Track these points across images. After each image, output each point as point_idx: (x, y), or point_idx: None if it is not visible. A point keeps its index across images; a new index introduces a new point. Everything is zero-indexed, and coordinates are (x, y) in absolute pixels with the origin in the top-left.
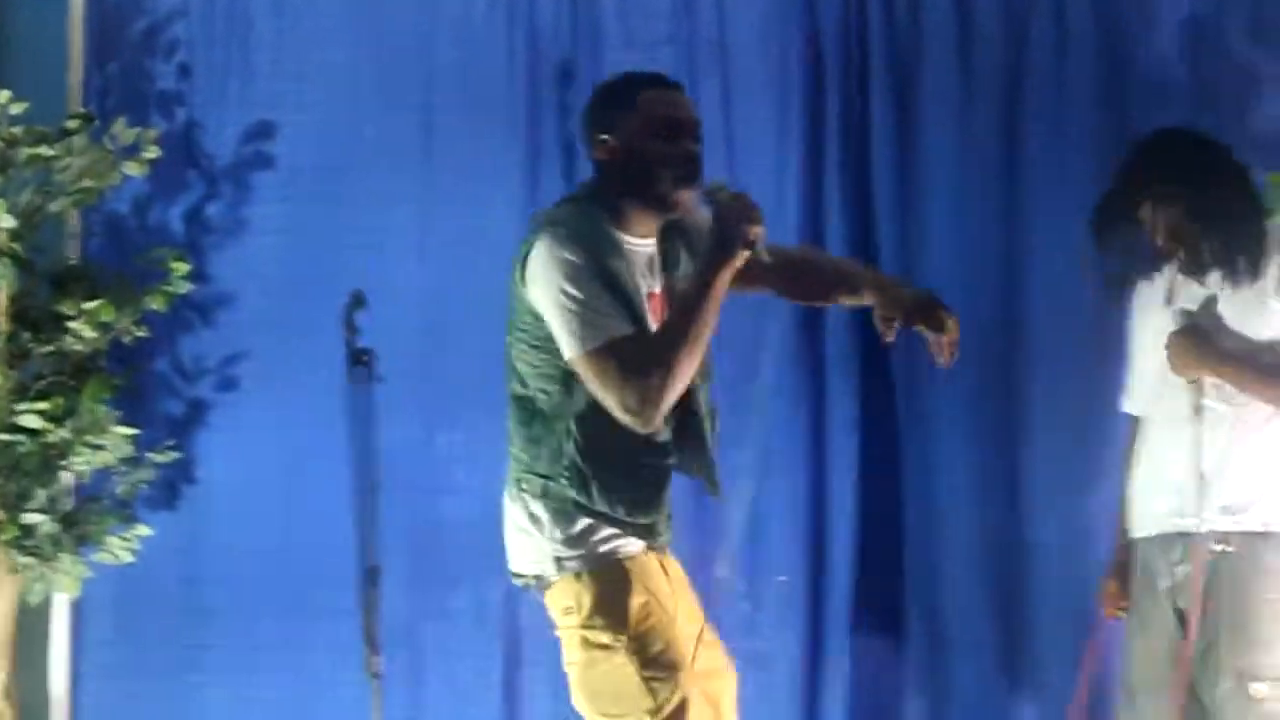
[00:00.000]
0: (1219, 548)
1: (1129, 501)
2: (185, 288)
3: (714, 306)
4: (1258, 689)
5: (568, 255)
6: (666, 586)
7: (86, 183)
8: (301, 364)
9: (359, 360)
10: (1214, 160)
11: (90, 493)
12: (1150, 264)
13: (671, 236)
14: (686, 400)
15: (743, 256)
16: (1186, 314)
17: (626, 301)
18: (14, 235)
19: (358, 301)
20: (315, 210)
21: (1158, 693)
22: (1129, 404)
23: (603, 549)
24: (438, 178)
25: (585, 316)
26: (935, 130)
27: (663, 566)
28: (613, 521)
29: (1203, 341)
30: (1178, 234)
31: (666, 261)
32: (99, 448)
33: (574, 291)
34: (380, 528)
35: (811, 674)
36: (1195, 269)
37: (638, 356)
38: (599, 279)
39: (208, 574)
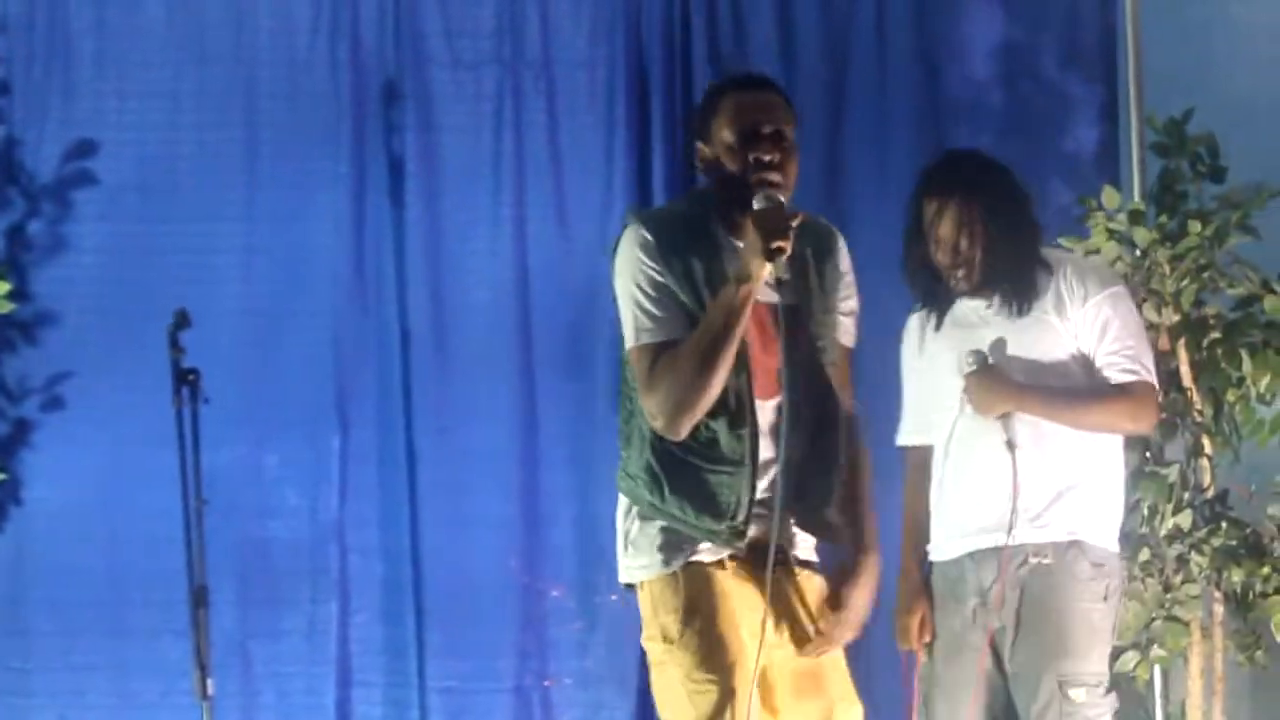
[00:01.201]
0: (1034, 560)
1: (930, 527)
2: (7, 308)
3: (729, 318)
4: (1076, 694)
5: (638, 250)
6: (731, 600)
7: None
8: (128, 383)
9: (185, 380)
10: (993, 179)
11: None
12: (927, 289)
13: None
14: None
15: (765, 269)
16: (978, 354)
17: (700, 304)
18: None
19: (182, 320)
20: (138, 228)
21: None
22: (907, 436)
23: (663, 556)
24: (262, 195)
25: (638, 312)
26: None
27: (750, 579)
28: (684, 524)
29: (1000, 380)
30: (955, 250)
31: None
32: None
33: (635, 285)
34: (208, 548)
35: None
36: (972, 287)
37: (664, 363)
38: (668, 276)
39: (33, 595)
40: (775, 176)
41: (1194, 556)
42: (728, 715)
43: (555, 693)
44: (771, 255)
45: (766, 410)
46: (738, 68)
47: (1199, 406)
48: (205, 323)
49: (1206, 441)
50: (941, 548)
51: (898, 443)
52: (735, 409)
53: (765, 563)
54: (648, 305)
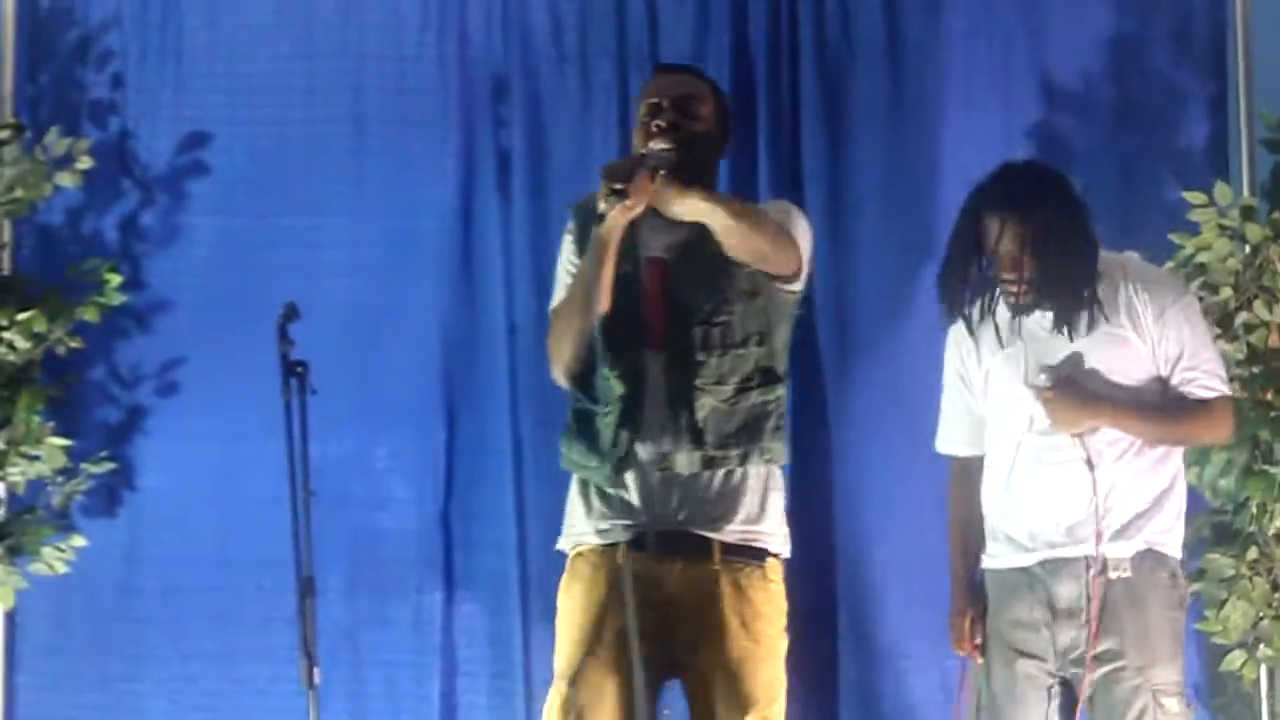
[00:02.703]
0: (1114, 574)
1: (984, 534)
2: (118, 299)
3: (589, 263)
4: (1169, 704)
5: (565, 239)
6: (598, 591)
7: (18, 193)
8: (238, 373)
9: (293, 372)
10: (1052, 193)
11: (25, 503)
12: (981, 300)
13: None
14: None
15: (618, 214)
16: (1052, 369)
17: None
18: None
19: (291, 313)
20: (249, 221)
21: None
22: (955, 445)
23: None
24: (370, 189)
25: (557, 287)
26: (865, 139)
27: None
28: (578, 466)
29: (1083, 396)
30: (1017, 266)
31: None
32: (34, 458)
33: (560, 269)
34: (317, 539)
35: None
36: (1026, 304)
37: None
38: (578, 243)
39: (144, 584)
40: (660, 143)
41: None
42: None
43: None
44: (611, 196)
45: (656, 362)
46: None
47: None
48: (313, 315)
49: None
50: (1005, 556)
51: (941, 449)
52: (624, 356)
53: (672, 550)
54: (563, 279)
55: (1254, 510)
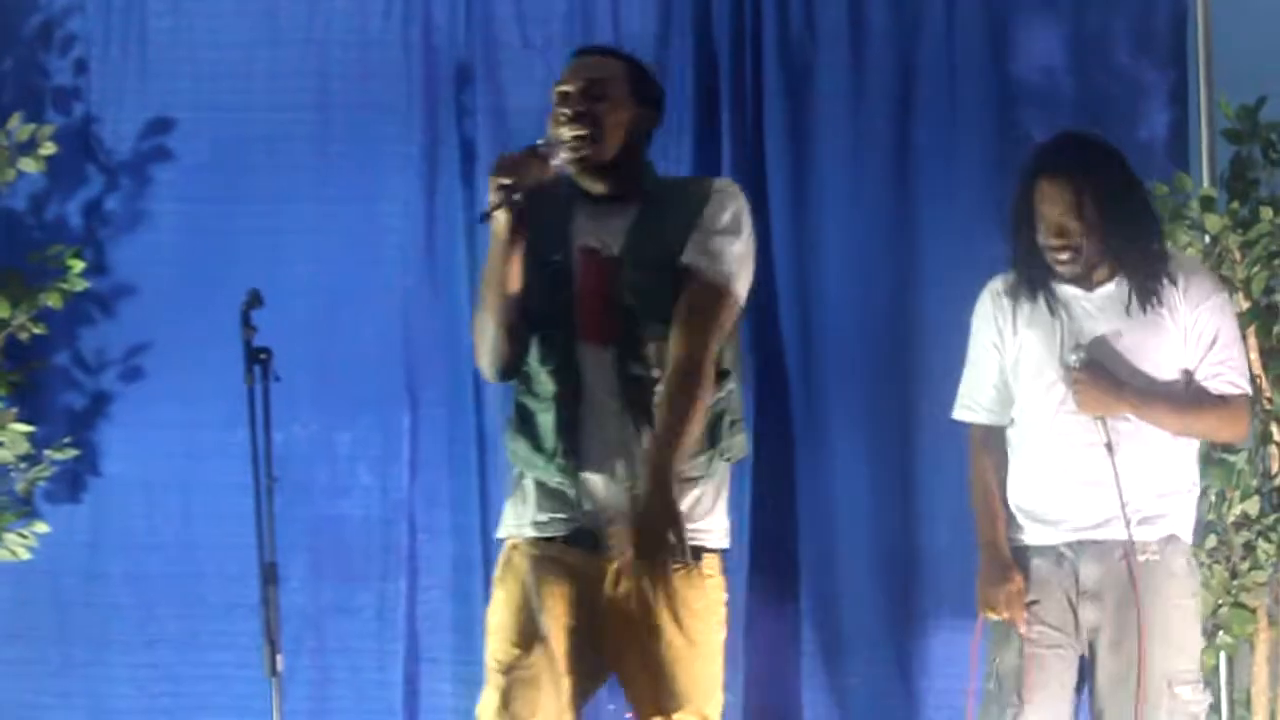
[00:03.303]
0: (1143, 557)
1: (1013, 510)
2: (82, 285)
3: (492, 264)
4: (1183, 691)
5: None
6: (525, 588)
7: None
8: (202, 359)
9: (256, 359)
10: (1105, 162)
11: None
12: (1031, 272)
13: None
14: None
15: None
16: (1085, 349)
17: (531, 263)
18: None
19: (254, 300)
20: (213, 207)
21: (1057, 698)
22: (975, 413)
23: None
24: (334, 175)
25: None
26: (828, 132)
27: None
28: (523, 463)
29: (1109, 381)
30: (1062, 231)
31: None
32: None
33: None
34: (280, 526)
35: None
36: (1076, 273)
37: None
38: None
39: (109, 570)
40: (567, 132)
41: (1261, 543)
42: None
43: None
44: (499, 191)
45: (594, 355)
46: (800, 43)
47: (1268, 394)
48: (277, 302)
49: (1275, 429)
50: (1032, 533)
51: (959, 416)
52: (556, 350)
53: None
54: None
55: (1213, 499)
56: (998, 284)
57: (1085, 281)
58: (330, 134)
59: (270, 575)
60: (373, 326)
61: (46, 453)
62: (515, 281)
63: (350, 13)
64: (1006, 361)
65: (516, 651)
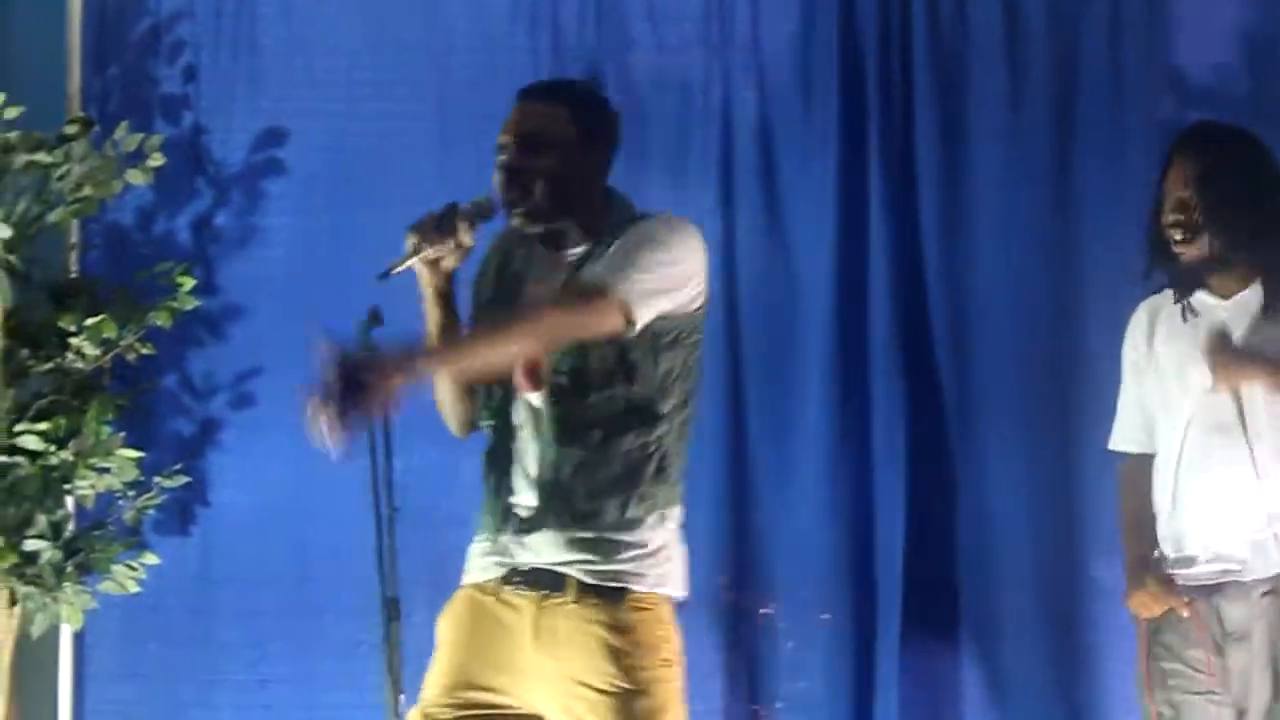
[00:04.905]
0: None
1: (1163, 540)
2: (192, 303)
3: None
4: None
5: None
6: (463, 632)
7: (87, 191)
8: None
9: None
10: (1236, 147)
11: (94, 518)
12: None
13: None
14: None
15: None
16: (1216, 323)
17: (485, 300)
18: (10, 246)
19: (374, 319)
20: (328, 221)
21: None
22: (1124, 442)
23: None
24: (456, 187)
25: None
26: (983, 136)
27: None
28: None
29: (1245, 350)
30: (1181, 208)
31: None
32: (103, 471)
33: None
34: (401, 558)
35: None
36: (1198, 258)
37: None
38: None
39: (219, 605)
40: (518, 209)
41: None
42: None
43: (765, 717)
44: (415, 254)
45: (527, 404)
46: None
47: None
48: (397, 321)
49: None
50: (1175, 570)
51: (1111, 446)
52: (492, 399)
53: (536, 585)
54: None
55: None
56: (1144, 304)
57: (1221, 288)
58: (451, 144)
59: (393, 611)
60: None
61: (155, 480)
62: (450, 335)
63: (471, 16)
64: (1146, 383)
65: (445, 698)
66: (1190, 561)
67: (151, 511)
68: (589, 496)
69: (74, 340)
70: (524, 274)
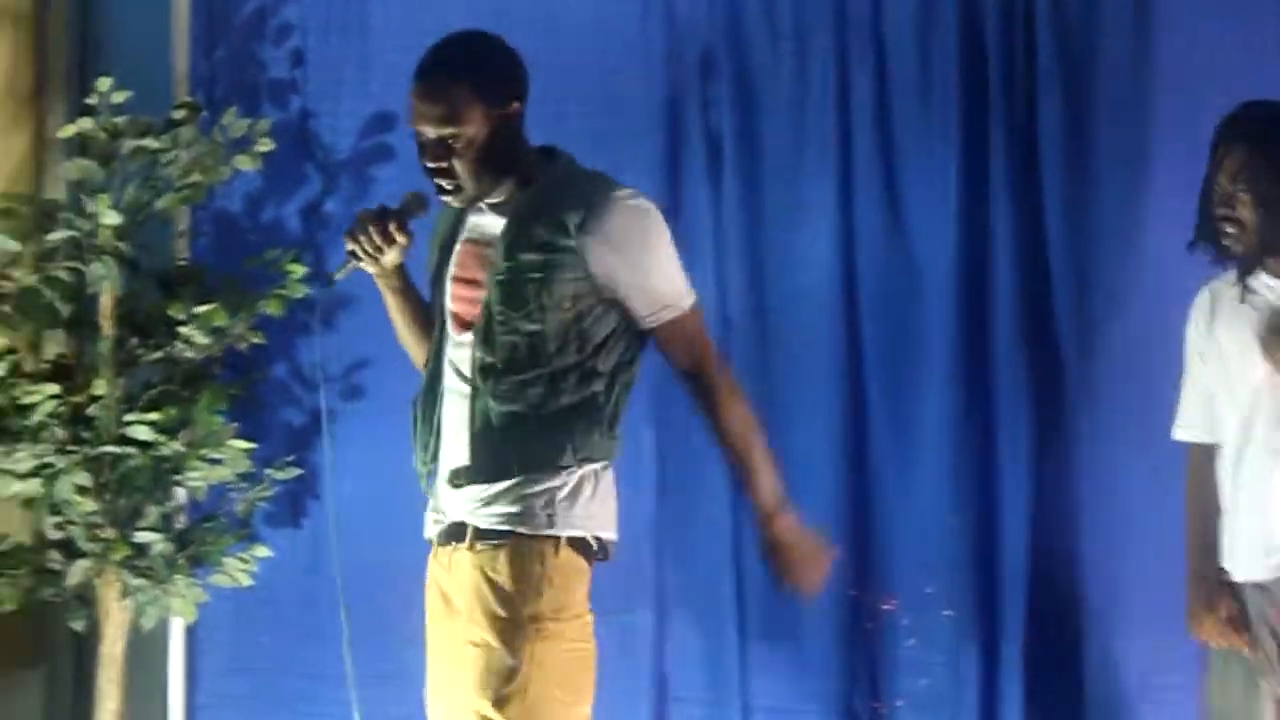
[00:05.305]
0: None
1: (1227, 542)
2: (302, 291)
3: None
4: None
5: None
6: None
7: (195, 177)
8: None
9: None
10: None
11: (205, 510)
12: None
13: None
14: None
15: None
16: (1273, 304)
17: (431, 266)
18: (119, 233)
19: (418, 203)
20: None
21: None
22: (1186, 430)
23: None
24: None
25: None
26: (1110, 126)
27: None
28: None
29: None
30: (1229, 201)
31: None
32: (215, 462)
33: None
34: None
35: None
36: (1246, 250)
37: None
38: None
39: (332, 598)
40: (444, 190)
41: None
42: None
43: (887, 715)
44: (351, 258)
45: (454, 343)
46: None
47: None
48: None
49: None
50: (1240, 567)
51: (1176, 436)
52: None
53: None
54: None
55: None
56: (1207, 286)
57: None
58: (563, 130)
59: None
60: None
61: (267, 472)
62: (415, 321)
63: (587, 2)
64: (1209, 370)
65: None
66: (1239, 554)
67: (263, 504)
68: (524, 454)
69: (183, 329)
70: (458, 233)
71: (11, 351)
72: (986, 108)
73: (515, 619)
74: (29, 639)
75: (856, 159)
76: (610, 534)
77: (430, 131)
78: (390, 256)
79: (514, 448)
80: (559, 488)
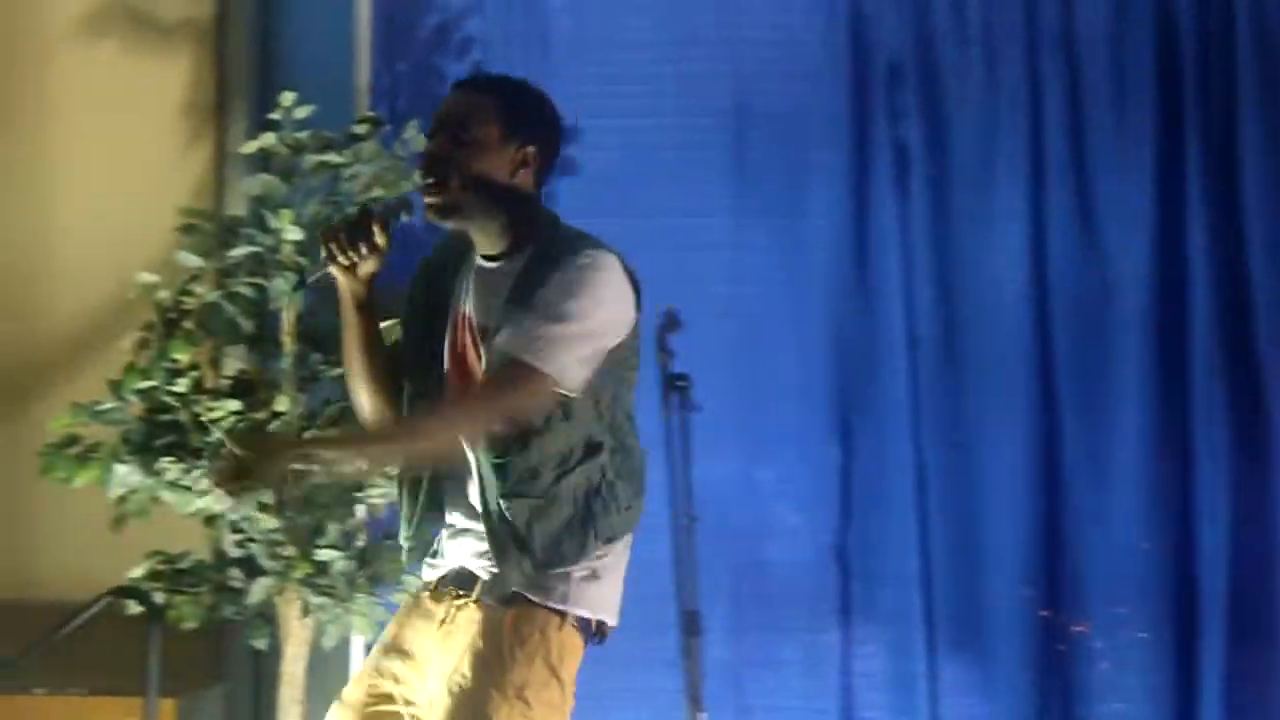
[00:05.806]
0: None
1: None
2: None
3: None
4: None
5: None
6: (394, 624)
7: (376, 191)
8: None
9: (673, 387)
10: None
11: (385, 528)
12: None
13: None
14: None
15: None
16: None
17: (409, 315)
18: (301, 249)
19: (671, 322)
20: (621, 222)
21: None
22: None
23: None
24: (753, 186)
25: None
26: None
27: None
28: None
29: None
30: None
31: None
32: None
33: None
34: (699, 570)
35: None
36: None
37: None
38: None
39: None
40: (430, 198)
41: None
42: None
43: None
44: (327, 260)
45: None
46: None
47: None
48: (694, 325)
49: None
50: None
51: None
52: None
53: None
54: None
55: None
56: None
57: None
58: (748, 141)
59: (692, 625)
60: (797, 351)
61: None
62: (367, 346)
63: (769, 9)
64: None
65: None
66: None
67: None
68: (549, 544)
69: None
70: (454, 283)
71: (193, 368)
72: (1182, 117)
73: (501, 684)
74: (209, 657)
75: (1048, 169)
76: (613, 620)
77: (438, 130)
78: (367, 265)
79: (540, 543)
80: (579, 569)
